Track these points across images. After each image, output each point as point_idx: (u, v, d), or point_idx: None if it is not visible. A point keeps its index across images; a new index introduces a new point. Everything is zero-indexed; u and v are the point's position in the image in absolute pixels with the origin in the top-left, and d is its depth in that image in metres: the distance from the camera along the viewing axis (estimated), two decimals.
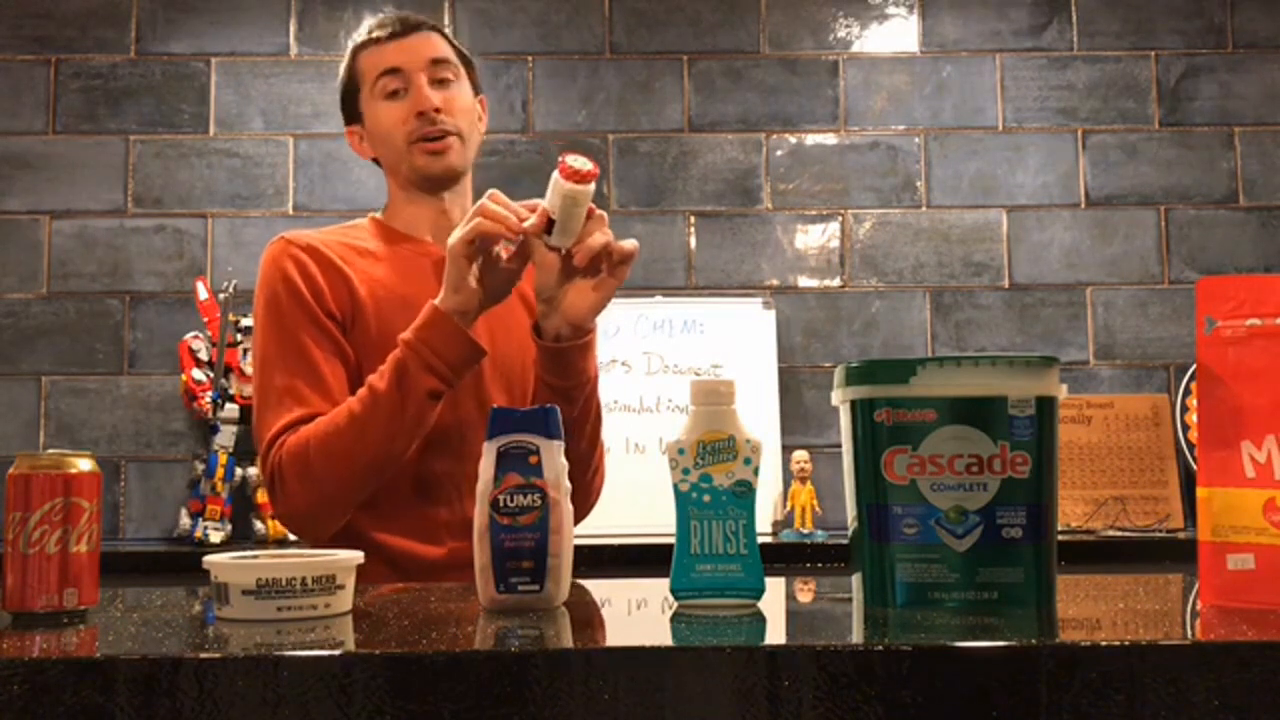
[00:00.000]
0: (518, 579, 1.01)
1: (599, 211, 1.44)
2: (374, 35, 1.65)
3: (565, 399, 1.49)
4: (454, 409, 1.55)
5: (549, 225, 1.41)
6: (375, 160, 1.70)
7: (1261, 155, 3.14)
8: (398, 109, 1.62)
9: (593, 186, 1.39)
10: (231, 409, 2.79)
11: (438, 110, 1.60)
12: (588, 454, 1.59)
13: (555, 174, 1.38)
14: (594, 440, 1.60)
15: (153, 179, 3.05)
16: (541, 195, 1.43)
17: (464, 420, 1.56)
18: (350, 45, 1.69)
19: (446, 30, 1.69)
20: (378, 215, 1.71)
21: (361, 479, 1.46)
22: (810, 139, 3.14)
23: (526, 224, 1.41)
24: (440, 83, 1.63)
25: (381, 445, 1.44)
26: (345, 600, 0.99)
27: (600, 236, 1.42)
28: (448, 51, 1.66)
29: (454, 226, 1.67)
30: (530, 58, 3.13)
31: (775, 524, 2.79)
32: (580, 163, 1.37)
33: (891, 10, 3.18)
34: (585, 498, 1.63)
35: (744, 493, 1.02)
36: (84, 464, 1.00)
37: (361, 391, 1.46)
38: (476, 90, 1.70)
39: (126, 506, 2.93)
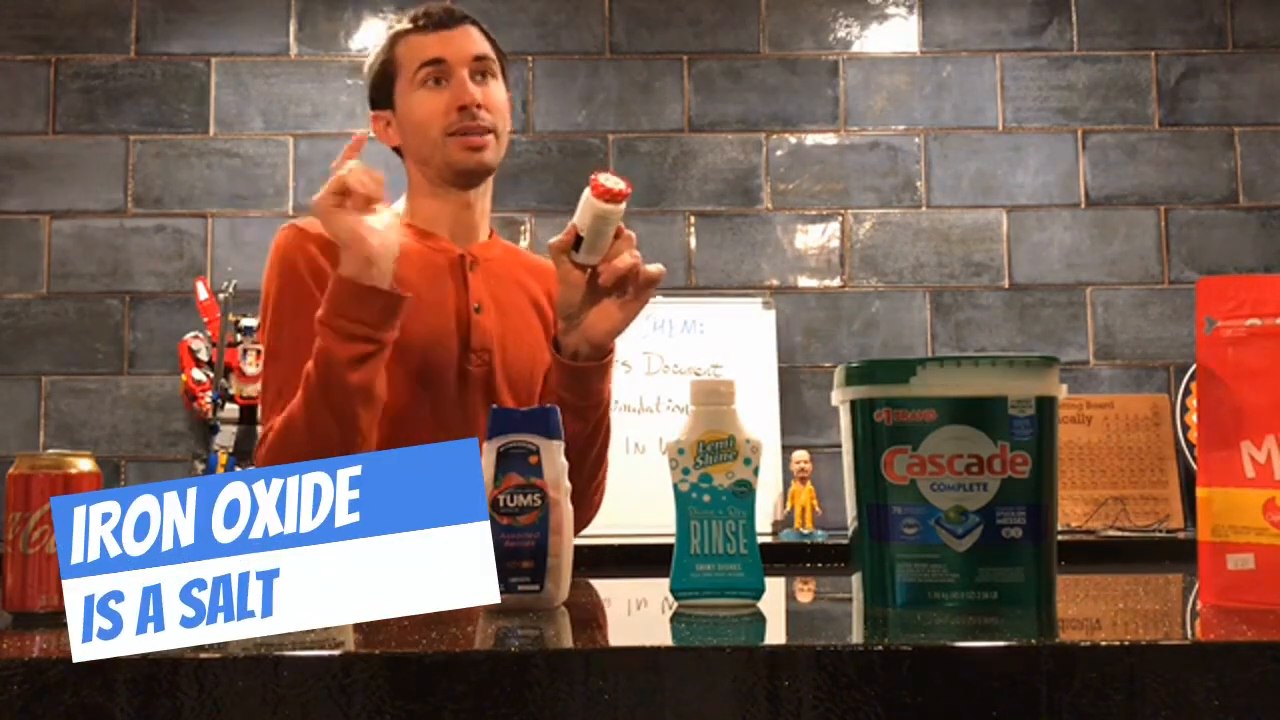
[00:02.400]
0: (518, 579, 1.01)
1: (629, 232, 1.43)
2: (418, 24, 1.64)
3: (578, 416, 1.48)
4: (462, 411, 1.55)
5: (577, 242, 1.41)
6: (396, 150, 1.69)
7: (1261, 155, 3.14)
8: (437, 100, 1.60)
9: (623, 206, 1.38)
10: (231, 409, 2.79)
11: (479, 106, 1.59)
12: (593, 471, 1.58)
13: (587, 191, 1.37)
14: (600, 457, 1.59)
15: (153, 179, 3.05)
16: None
17: (472, 423, 1.55)
18: (388, 32, 1.67)
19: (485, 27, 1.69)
20: (394, 209, 1.71)
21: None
22: (810, 139, 3.14)
23: (553, 239, 1.43)
24: (480, 79, 1.62)
25: (330, 430, 1.42)
26: None
27: (628, 257, 1.42)
28: (488, 48, 1.65)
29: (474, 223, 1.67)
30: (530, 58, 3.13)
31: (775, 524, 2.79)
32: (613, 182, 1.36)
33: (891, 10, 3.18)
34: (585, 512, 1.63)
35: (744, 493, 1.02)
36: (84, 464, 1.01)
37: (301, 387, 1.45)
38: (507, 87, 1.70)
39: None
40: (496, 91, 1.64)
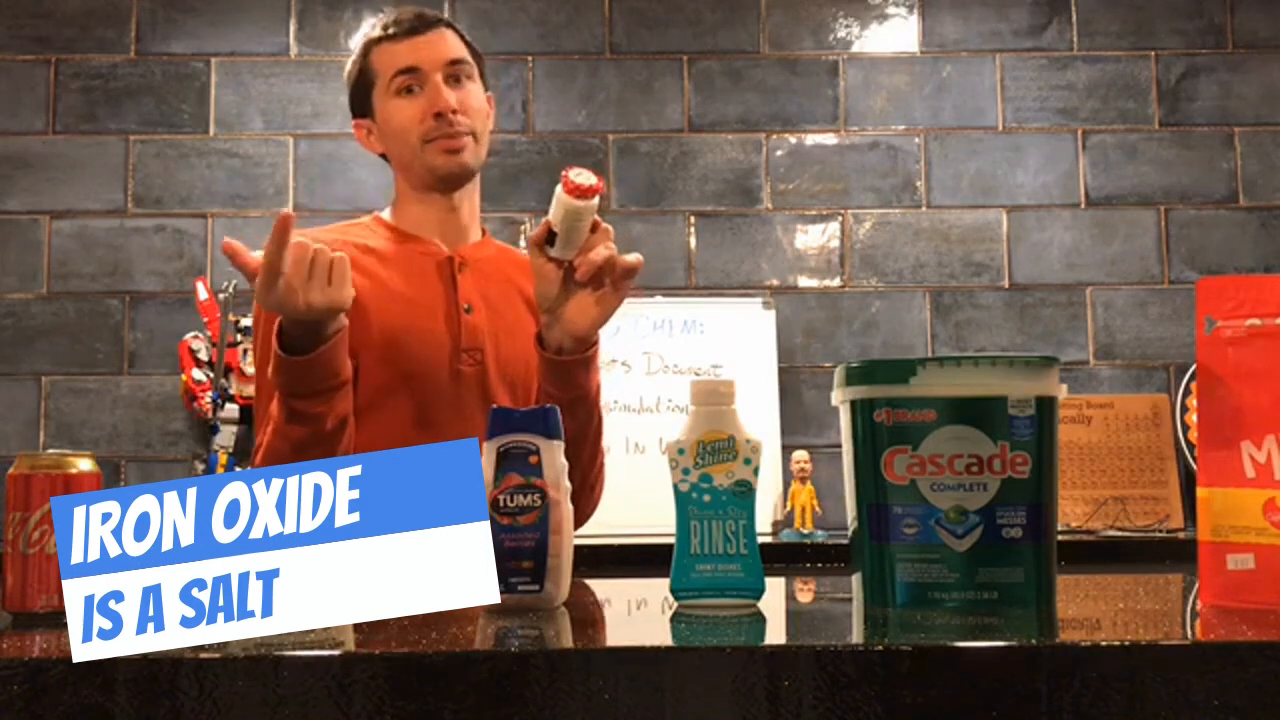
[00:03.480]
0: (518, 579, 1.01)
1: (605, 225, 1.43)
2: (390, 31, 1.63)
3: (567, 411, 1.47)
4: (457, 411, 1.55)
5: (550, 236, 1.41)
6: (383, 156, 1.69)
7: (1261, 155, 3.14)
8: (413, 107, 1.60)
9: (595, 201, 1.37)
10: (231, 409, 2.79)
11: (455, 111, 1.59)
12: (588, 467, 1.57)
13: (559, 187, 1.37)
14: (594, 453, 1.59)
15: (153, 179, 3.05)
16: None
17: (468, 422, 1.55)
18: (363, 39, 1.67)
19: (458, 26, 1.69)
20: (382, 214, 1.70)
21: None
22: (810, 139, 3.14)
23: (529, 234, 1.43)
24: (455, 82, 1.62)
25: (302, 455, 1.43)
26: None
27: (603, 250, 1.41)
28: (462, 50, 1.64)
29: (462, 225, 1.67)
30: (530, 58, 3.13)
31: (775, 524, 2.79)
32: (584, 178, 1.36)
33: (891, 10, 3.18)
34: (585, 506, 1.63)
35: (744, 493, 1.02)
36: (84, 464, 1.01)
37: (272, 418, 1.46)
38: (485, 87, 1.69)
39: None
40: (474, 94, 1.64)
